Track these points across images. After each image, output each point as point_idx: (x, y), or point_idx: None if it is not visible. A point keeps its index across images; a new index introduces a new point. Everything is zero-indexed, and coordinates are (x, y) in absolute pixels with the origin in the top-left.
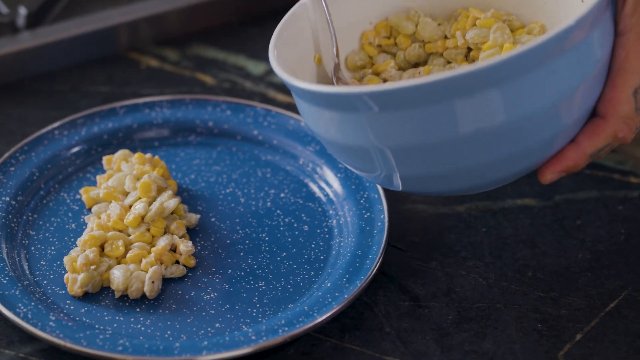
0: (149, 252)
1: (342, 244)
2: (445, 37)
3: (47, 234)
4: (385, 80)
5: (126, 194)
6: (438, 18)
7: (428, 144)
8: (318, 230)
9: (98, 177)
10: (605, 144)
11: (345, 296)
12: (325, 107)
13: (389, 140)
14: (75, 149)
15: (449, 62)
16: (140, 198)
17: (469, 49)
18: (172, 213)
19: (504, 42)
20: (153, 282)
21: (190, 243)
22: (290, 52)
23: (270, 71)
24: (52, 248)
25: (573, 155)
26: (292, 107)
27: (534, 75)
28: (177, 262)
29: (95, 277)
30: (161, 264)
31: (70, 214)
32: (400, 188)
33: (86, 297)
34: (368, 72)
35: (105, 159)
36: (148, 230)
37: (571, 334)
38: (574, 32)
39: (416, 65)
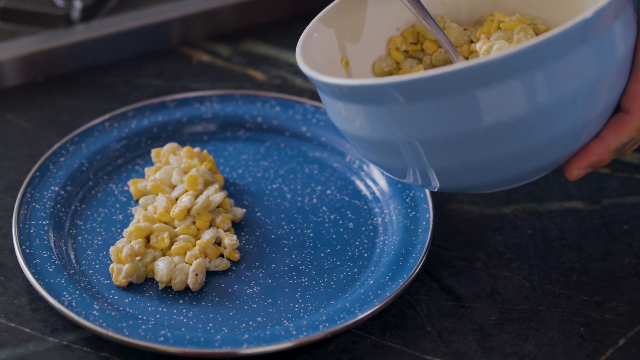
0: (194, 245)
1: (386, 242)
2: (471, 42)
3: (94, 224)
4: None
5: (173, 186)
6: (465, 25)
7: (455, 134)
8: (363, 228)
9: (146, 170)
10: (629, 138)
11: (387, 294)
12: (351, 101)
13: (416, 131)
14: (125, 141)
15: None
16: (187, 191)
17: None
18: (217, 207)
19: None
20: (197, 274)
21: (235, 237)
22: (317, 54)
23: None
24: (99, 238)
25: (598, 150)
26: None
27: (555, 65)
28: (222, 255)
29: (140, 268)
30: (205, 256)
31: (117, 205)
32: (437, 185)
33: (130, 287)
34: None
35: (154, 151)
36: (194, 223)
37: (614, 339)
38: (595, 21)
39: None
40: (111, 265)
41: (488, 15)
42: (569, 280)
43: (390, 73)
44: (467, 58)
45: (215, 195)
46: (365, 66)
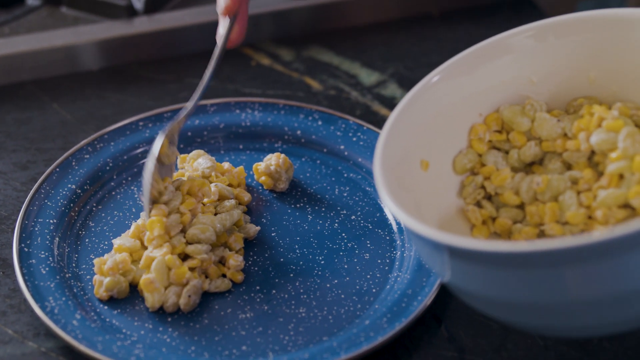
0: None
1: (398, 279)
2: (565, 135)
3: (105, 228)
4: (498, 186)
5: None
6: (554, 107)
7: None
8: (379, 261)
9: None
10: None
11: (379, 338)
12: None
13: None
14: None
15: (568, 165)
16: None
17: (592, 152)
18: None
19: (635, 152)
20: (190, 296)
21: (240, 258)
22: (395, 161)
23: (381, 83)
24: (106, 243)
25: None
26: None
27: None
28: (224, 275)
29: (122, 284)
30: (206, 277)
31: (133, 210)
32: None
33: (123, 298)
34: (479, 180)
35: (179, 157)
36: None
37: None
38: None
39: (531, 163)
40: (95, 277)
41: (583, 100)
42: (588, 344)
43: (473, 169)
44: (560, 154)
45: (232, 211)
46: (447, 164)
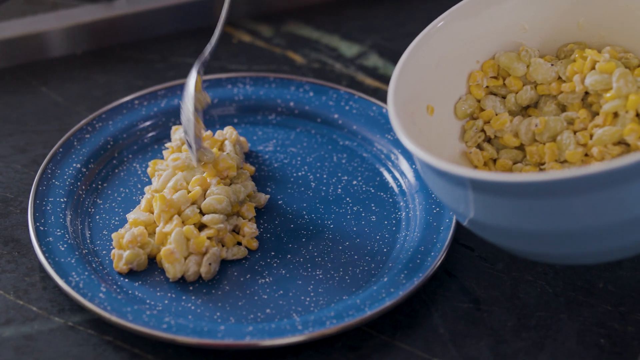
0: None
1: (407, 237)
2: (559, 78)
3: (113, 204)
4: (498, 129)
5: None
6: (544, 53)
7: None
8: (385, 222)
9: (165, 151)
10: None
11: (400, 293)
12: (477, 191)
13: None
14: (153, 120)
15: (563, 107)
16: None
17: (585, 93)
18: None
19: (629, 92)
20: (210, 264)
21: (254, 225)
22: (405, 106)
23: (362, 54)
24: (116, 218)
25: None
26: (378, 93)
27: None
28: (239, 243)
29: (141, 256)
30: (223, 245)
31: (139, 186)
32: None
33: (141, 270)
34: (479, 124)
35: (174, 128)
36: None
37: (635, 352)
38: None
39: (527, 107)
40: (113, 251)
41: (573, 45)
42: (594, 288)
43: (472, 114)
44: (555, 96)
45: (245, 182)
46: (449, 109)
